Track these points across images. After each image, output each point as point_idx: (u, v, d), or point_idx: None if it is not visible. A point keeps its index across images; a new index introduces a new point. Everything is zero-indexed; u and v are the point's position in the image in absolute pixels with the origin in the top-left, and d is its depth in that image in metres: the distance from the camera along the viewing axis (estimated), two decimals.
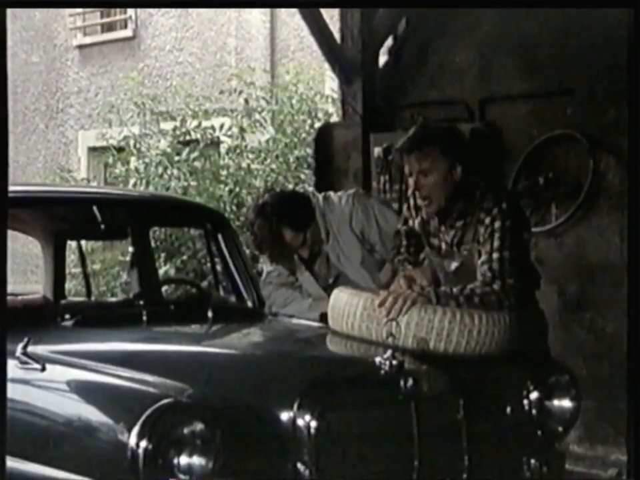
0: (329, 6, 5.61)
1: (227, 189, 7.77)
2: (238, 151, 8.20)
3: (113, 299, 6.49)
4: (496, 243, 3.15)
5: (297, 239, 3.76)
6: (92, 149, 11.39)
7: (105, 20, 12.26)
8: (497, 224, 3.16)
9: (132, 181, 8.17)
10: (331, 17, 5.91)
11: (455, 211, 3.26)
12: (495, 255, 3.15)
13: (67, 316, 3.33)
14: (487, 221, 3.18)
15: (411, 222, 3.45)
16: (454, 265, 3.30)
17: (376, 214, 3.81)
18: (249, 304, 3.82)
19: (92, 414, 2.56)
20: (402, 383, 2.68)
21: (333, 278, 3.84)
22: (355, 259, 3.77)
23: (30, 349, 2.76)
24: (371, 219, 3.79)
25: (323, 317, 3.46)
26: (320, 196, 3.91)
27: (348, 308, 3.07)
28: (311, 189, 7.15)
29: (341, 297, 3.16)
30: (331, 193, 3.96)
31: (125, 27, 11.86)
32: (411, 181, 3.25)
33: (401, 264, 3.43)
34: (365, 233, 3.78)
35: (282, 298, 3.88)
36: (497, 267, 3.13)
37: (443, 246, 3.33)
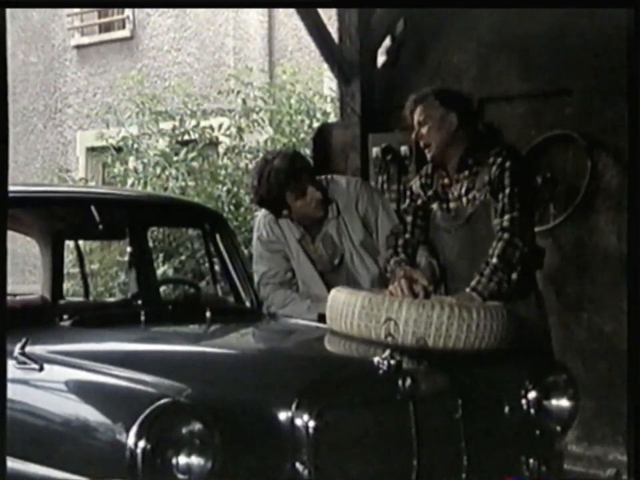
0: (326, 6, 5.61)
1: (225, 189, 7.77)
2: (236, 151, 8.19)
3: (111, 299, 6.49)
4: (507, 180, 3.41)
5: (298, 199, 3.75)
6: (90, 149, 11.39)
7: (103, 20, 12.26)
8: (508, 163, 3.44)
9: (130, 181, 8.17)
10: (329, 17, 5.91)
11: (460, 161, 3.51)
12: (507, 190, 3.40)
13: (65, 316, 3.33)
14: (499, 160, 3.44)
15: (419, 199, 3.64)
16: (466, 216, 3.51)
17: (380, 204, 3.88)
18: (247, 304, 3.82)
19: (90, 414, 2.56)
20: (400, 382, 2.68)
21: (330, 264, 3.83)
22: (356, 238, 3.81)
23: (28, 349, 2.76)
24: (374, 206, 3.85)
25: (321, 318, 3.46)
26: (324, 176, 3.93)
27: (346, 307, 3.07)
28: None
29: (339, 297, 3.16)
30: (335, 175, 4.02)
31: (123, 27, 11.86)
32: (414, 134, 3.56)
33: (397, 265, 3.49)
34: (367, 217, 3.83)
35: (280, 298, 3.87)
36: (508, 202, 3.40)
37: (452, 205, 3.55)
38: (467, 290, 3.32)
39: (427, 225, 3.64)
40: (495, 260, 3.35)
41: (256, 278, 3.92)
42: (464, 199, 3.52)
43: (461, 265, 3.55)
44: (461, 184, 3.53)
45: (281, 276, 3.90)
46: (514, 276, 3.41)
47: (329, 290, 3.59)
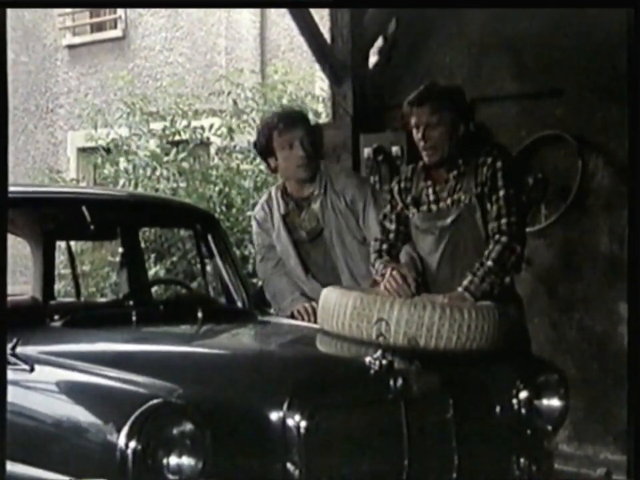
0: (319, 6, 5.61)
1: (216, 189, 7.77)
2: (227, 151, 8.19)
3: (103, 300, 6.48)
4: (500, 182, 3.39)
5: (284, 149, 3.84)
6: (81, 150, 11.36)
7: (95, 20, 12.24)
8: (499, 163, 3.41)
9: (121, 182, 8.16)
10: (321, 17, 5.91)
11: (452, 160, 3.48)
12: (502, 193, 3.39)
13: (56, 316, 3.32)
14: (489, 160, 3.42)
15: (398, 204, 3.62)
16: (450, 219, 3.47)
17: (369, 192, 3.93)
18: (239, 304, 3.82)
19: (81, 414, 2.56)
20: (391, 382, 2.68)
21: (307, 236, 3.90)
22: (341, 219, 3.85)
23: (19, 349, 2.75)
24: (363, 193, 3.90)
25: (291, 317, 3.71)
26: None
27: (338, 307, 3.08)
28: None
29: (330, 297, 3.16)
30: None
31: (115, 27, 11.84)
32: (417, 133, 3.48)
33: (384, 264, 3.52)
34: (354, 202, 3.87)
35: (262, 269, 4.04)
36: (504, 204, 3.38)
37: (433, 207, 3.52)
38: (460, 289, 3.32)
39: (408, 230, 3.61)
40: (490, 263, 3.33)
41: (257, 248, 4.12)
42: (448, 200, 3.48)
43: (443, 267, 3.51)
44: (449, 184, 3.49)
45: (266, 250, 4.01)
46: (507, 279, 3.40)
47: (302, 265, 3.86)
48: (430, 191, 3.54)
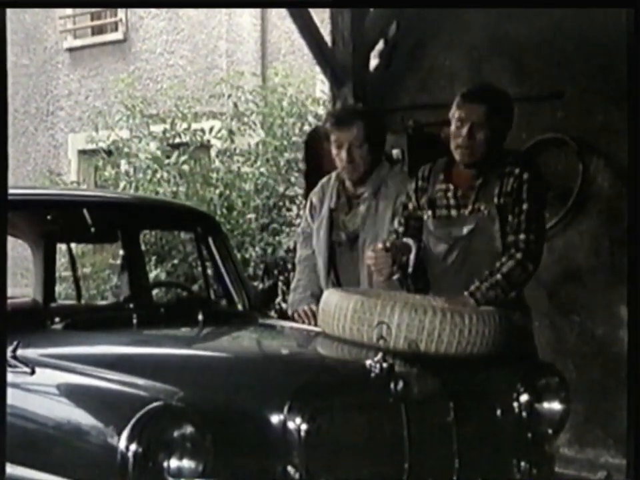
0: (319, 6, 5.62)
1: (217, 192, 7.77)
2: (228, 153, 8.20)
3: (103, 302, 6.49)
4: (525, 195, 3.29)
5: (334, 144, 3.77)
6: (82, 152, 11.37)
7: (96, 22, 12.25)
8: (526, 175, 3.31)
9: (122, 184, 8.16)
10: (322, 19, 5.91)
11: (481, 167, 3.37)
12: (525, 206, 3.29)
13: (57, 319, 3.32)
14: (516, 171, 3.31)
15: (412, 203, 3.51)
16: (467, 228, 3.37)
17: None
18: (240, 307, 3.82)
19: (82, 417, 2.55)
20: (392, 385, 2.68)
21: (345, 238, 3.81)
22: (379, 226, 3.74)
23: (19, 352, 2.75)
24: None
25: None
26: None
27: (338, 310, 3.07)
28: (301, 191, 7.17)
29: (331, 300, 3.16)
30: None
31: (116, 29, 11.85)
32: (461, 128, 3.34)
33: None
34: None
35: (299, 253, 3.97)
36: (525, 219, 3.28)
37: (454, 212, 3.40)
38: (465, 293, 3.28)
39: (418, 232, 3.49)
40: (499, 276, 3.26)
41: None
42: (469, 207, 3.36)
43: (450, 277, 3.41)
44: (471, 192, 3.37)
45: (305, 237, 3.98)
46: (512, 294, 3.33)
47: (329, 266, 3.79)
48: (450, 194, 3.42)
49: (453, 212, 3.41)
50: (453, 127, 3.39)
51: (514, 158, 3.40)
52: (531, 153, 3.80)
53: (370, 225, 3.75)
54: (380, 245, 3.34)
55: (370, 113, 4.00)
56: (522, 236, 3.29)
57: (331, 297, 3.19)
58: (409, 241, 3.47)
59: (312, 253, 3.93)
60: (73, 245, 4.99)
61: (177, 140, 8.41)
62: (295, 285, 3.97)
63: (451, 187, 3.42)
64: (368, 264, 3.39)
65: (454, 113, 3.40)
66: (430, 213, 3.45)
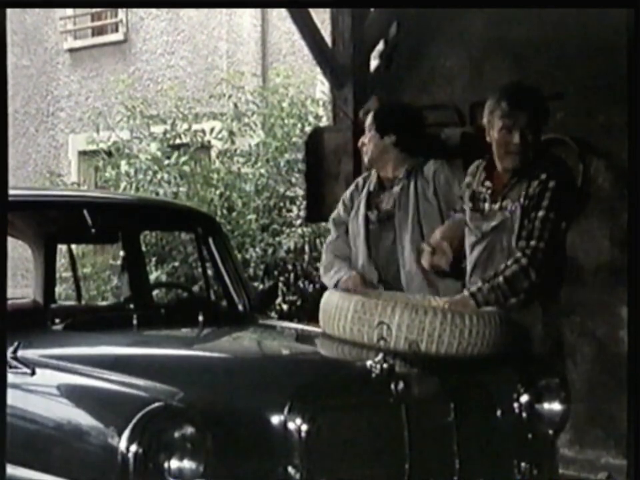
0: (319, 6, 5.62)
1: (217, 192, 7.77)
2: (228, 154, 8.20)
3: (104, 303, 6.49)
4: (545, 202, 3.27)
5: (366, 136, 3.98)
6: (82, 153, 11.37)
7: (96, 23, 12.25)
8: (552, 183, 3.29)
9: (122, 185, 8.16)
10: (322, 20, 5.91)
11: (517, 167, 3.39)
12: (541, 213, 3.28)
13: (57, 320, 3.32)
14: (543, 176, 3.30)
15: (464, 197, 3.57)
16: (492, 224, 3.41)
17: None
18: (240, 308, 3.82)
19: (82, 418, 2.56)
20: (393, 386, 2.68)
21: (380, 217, 3.93)
22: (423, 203, 3.85)
23: (20, 353, 2.76)
24: (458, 175, 3.85)
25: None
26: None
27: (339, 311, 3.07)
28: (301, 192, 7.17)
29: (331, 300, 3.16)
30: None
31: (116, 30, 11.85)
32: (507, 135, 3.34)
33: None
34: (448, 182, 3.85)
35: (330, 237, 4.08)
36: (539, 226, 3.27)
37: (487, 206, 3.44)
38: (466, 293, 3.30)
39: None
40: (501, 279, 3.26)
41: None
42: (498, 204, 3.40)
43: (475, 271, 3.45)
44: (503, 189, 3.40)
45: (336, 222, 4.09)
46: (513, 300, 3.31)
47: (367, 242, 3.87)
48: (487, 190, 3.47)
49: (486, 206, 3.46)
50: (497, 134, 3.38)
51: (546, 162, 3.39)
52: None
53: (406, 203, 3.86)
54: (438, 234, 3.46)
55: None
56: (532, 242, 3.28)
57: (331, 297, 3.19)
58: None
59: (336, 237, 4.06)
60: (73, 246, 5.00)
61: (178, 141, 8.41)
62: (326, 264, 4.04)
63: (489, 184, 3.47)
64: (425, 258, 3.48)
65: (499, 120, 3.38)
66: (470, 204, 3.51)
